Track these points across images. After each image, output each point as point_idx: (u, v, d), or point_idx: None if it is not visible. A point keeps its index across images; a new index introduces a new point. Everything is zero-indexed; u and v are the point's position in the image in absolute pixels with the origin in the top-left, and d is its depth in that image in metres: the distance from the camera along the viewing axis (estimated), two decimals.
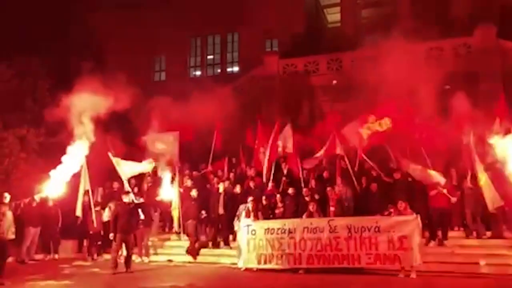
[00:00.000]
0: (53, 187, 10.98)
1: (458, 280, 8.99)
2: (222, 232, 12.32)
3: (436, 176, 10.80)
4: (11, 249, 10.47)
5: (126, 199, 10.79)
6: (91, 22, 22.70)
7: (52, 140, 13.93)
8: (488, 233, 10.66)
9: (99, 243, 12.61)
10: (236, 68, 24.99)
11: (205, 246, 12.16)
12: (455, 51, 17.79)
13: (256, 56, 21.39)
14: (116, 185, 13.26)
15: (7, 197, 9.63)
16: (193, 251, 11.83)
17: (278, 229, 10.36)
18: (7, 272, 9.11)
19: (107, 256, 12.02)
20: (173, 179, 12.99)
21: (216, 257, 11.87)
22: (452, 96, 12.16)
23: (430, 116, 12.50)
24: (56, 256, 12.74)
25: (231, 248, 11.94)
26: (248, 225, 10.70)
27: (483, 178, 10.22)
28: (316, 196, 11.16)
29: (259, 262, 10.41)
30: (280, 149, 13.19)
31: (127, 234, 10.43)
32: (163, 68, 26.01)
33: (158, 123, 13.73)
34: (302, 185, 12.20)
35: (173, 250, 12.57)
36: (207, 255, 11.98)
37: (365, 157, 12.39)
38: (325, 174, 12.49)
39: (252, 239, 10.54)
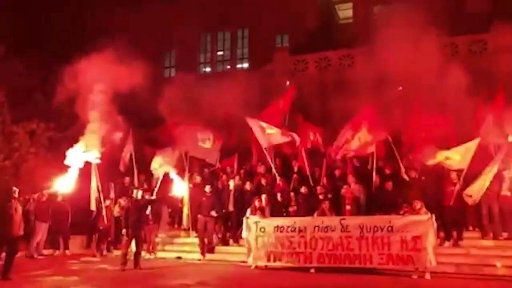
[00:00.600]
0: (63, 182, 10.90)
1: (473, 282, 8.77)
2: (232, 229, 12.19)
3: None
4: (21, 244, 10.42)
5: (136, 195, 10.69)
6: (102, 16, 22.64)
7: (62, 134, 13.89)
8: (505, 234, 10.38)
9: (109, 239, 12.55)
10: (246, 65, 24.82)
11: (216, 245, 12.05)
12: (470, 48, 17.43)
13: (267, 52, 21.19)
14: (127, 180, 13.20)
15: (16, 191, 9.58)
16: (202, 248, 11.74)
17: (288, 227, 10.20)
18: (15, 267, 9.05)
19: (116, 252, 11.96)
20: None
21: (225, 254, 11.76)
22: (469, 93, 11.86)
23: (445, 112, 12.26)
24: (68, 252, 12.72)
25: (240, 245, 11.81)
26: (257, 222, 10.55)
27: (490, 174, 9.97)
28: (329, 195, 10.97)
29: (268, 260, 10.27)
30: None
31: (137, 230, 10.36)
32: (173, 64, 25.93)
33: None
34: (311, 183, 12.02)
35: (182, 247, 12.48)
36: (216, 252, 11.86)
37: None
38: (337, 172, 12.29)
39: (261, 236, 10.40)
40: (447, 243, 10.46)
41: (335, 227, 9.82)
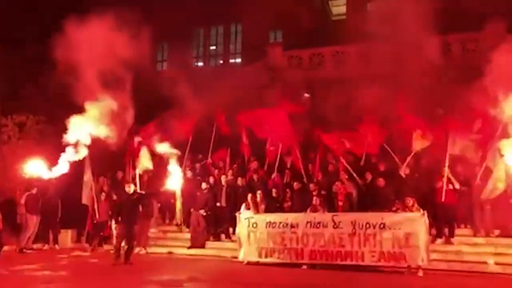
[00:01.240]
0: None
1: (465, 279, 8.79)
2: (224, 224, 12.13)
3: None
4: (11, 238, 10.29)
5: (128, 189, 10.58)
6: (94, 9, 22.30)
7: (54, 128, 13.68)
8: (497, 231, 10.44)
9: (102, 233, 12.43)
10: (239, 60, 24.69)
11: (207, 239, 11.96)
12: (463, 46, 17.47)
13: (260, 47, 21.06)
14: (120, 174, 13.04)
15: None
16: (193, 242, 11.68)
17: (280, 223, 10.16)
18: (4, 261, 8.92)
19: (107, 247, 11.84)
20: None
21: (217, 250, 11.70)
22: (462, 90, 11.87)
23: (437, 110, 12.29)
24: (57, 246, 12.57)
25: (232, 241, 11.76)
26: (249, 218, 10.51)
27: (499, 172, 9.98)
28: (322, 191, 10.93)
29: (259, 255, 10.24)
30: None
31: (130, 225, 10.22)
32: (165, 58, 25.71)
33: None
34: (305, 179, 11.99)
35: (174, 242, 12.39)
36: (208, 248, 11.79)
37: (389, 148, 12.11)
38: (330, 168, 12.26)
39: (253, 232, 10.36)
40: (439, 240, 10.47)
41: (327, 223, 9.78)
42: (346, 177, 11.62)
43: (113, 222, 10.97)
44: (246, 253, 10.38)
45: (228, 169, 13.70)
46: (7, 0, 19.50)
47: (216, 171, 13.49)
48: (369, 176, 11.57)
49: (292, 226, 10.00)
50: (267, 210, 10.76)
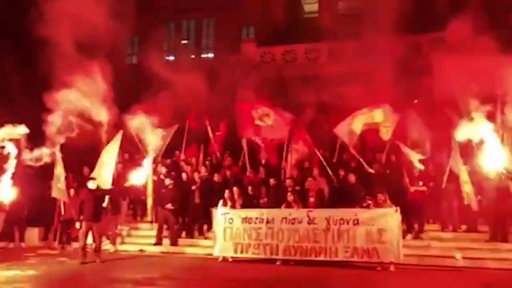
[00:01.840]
0: None
1: (435, 273, 9.04)
2: (198, 221, 12.02)
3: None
4: None
5: (91, 185, 10.30)
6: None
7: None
8: (464, 227, 10.78)
9: (69, 231, 12.07)
10: (211, 55, 24.47)
11: (177, 235, 11.82)
12: (431, 46, 17.87)
13: (232, 42, 20.96)
14: (86, 170, 12.68)
15: None
16: (158, 236, 11.63)
17: (256, 218, 10.15)
18: None
19: (76, 245, 11.51)
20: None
21: (190, 247, 11.58)
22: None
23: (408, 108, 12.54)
24: (23, 244, 12.15)
25: (206, 238, 11.67)
26: (225, 214, 10.45)
27: (463, 174, 10.29)
28: (297, 187, 10.98)
29: (235, 251, 10.21)
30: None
31: (94, 222, 9.96)
32: (135, 51, 25.19)
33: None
34: (282, 176, 12.02)
35: (145, 240, 12.18)
36: (182, 245, 11.65)
37: (354, 152, 12.17)
38: (305, 164, 12.33)
39: (229, 228, 10.31)
40: (409, 236, 10.71)
41: (302, 219, 9.83)
42: (319, 173, 11.72)
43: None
44: (222, 249, 10.33)
45: (201, 166, 13.58)
46: None
47: (189, 167, 13.33)
48: (341, 173, 11.72)
49: (268, 222, 10.01)
50: (243, 207, 10.72)
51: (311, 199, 10.89)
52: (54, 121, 10.54)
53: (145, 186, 12.36)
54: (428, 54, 17.39)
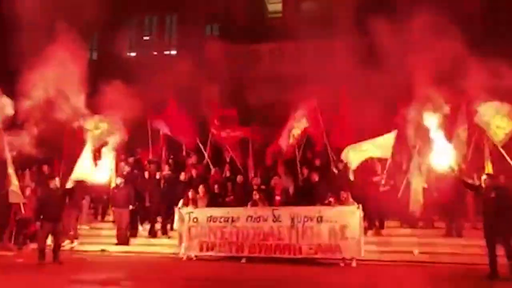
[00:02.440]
0: None
1: (395, 268, 9.34)
2: (161, 221, 11.89)
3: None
4: None
5: (52, 184, 9.98)
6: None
7: None
8: (420, 223, 11.20)
9: (25, 231, 11.63)
10: (173, 51, 24.16)
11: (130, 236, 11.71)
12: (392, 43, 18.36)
13: (196, 40, 20.76)
14: (46, 168, 12.25)
15: None
16: (120, 239, 11.51)
17: (221, 217, 10.20)
18: None
19: (33, 246, 11.11)
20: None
21: (153, 246, 11.47)
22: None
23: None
24: None
25: (169, 237, 11.56)
26: (189, 213, 10.42)
27: (414, 181, 10.69)
28: (262, 186, 11.07)
29: (200, 250, 10.22)
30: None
31: (54, 222, 9.63)
32: (95, 47, 24.50)
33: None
34: (250, 175, 12.07)
35: (107, 240, 11.92)
36: (145, 244, 11.53)
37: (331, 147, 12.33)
38: (269, 163, 12.45)
39: (194, 227, 10.29)
40: (370, 232, 11.02)
41: (267, 217, 9.96)
42: (284, 171, 11.86)
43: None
44: (187, 248, 10.30)
45: (164, 164, 13.41)
46: None
47: (152, 166, 13.13)
48: (305, 171, 11.91)
49: (233, 220, 10.07)
50: (209, 206, 10.70)
51: (277, 198, 11.03)
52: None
53: (106, 185, 12.08)
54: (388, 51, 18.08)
